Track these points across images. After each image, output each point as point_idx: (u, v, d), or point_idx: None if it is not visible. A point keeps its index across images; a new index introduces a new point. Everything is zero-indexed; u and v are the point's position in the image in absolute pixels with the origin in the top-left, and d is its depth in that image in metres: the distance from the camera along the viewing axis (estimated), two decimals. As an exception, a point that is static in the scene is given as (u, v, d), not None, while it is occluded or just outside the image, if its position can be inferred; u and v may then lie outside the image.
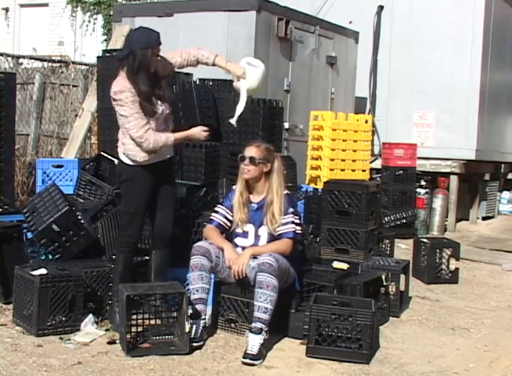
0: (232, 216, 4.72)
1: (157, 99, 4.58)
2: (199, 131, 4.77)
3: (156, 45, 4.48)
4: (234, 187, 4.78)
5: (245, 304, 4.61)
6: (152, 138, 4.51)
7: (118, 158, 4.74)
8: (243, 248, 4.68)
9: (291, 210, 4.65)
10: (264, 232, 4.65)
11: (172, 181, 4.94)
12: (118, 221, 5.24)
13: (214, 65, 4.85)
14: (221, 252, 4.58)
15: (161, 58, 4.58)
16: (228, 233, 4.77)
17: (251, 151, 4.65)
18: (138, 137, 4.50)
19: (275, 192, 4.62)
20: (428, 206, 9.63)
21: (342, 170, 8.30)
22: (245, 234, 4.70)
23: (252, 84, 4.83)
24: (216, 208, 4.82)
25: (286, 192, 4.70)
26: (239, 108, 4.84)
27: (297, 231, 4.64)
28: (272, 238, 4.63)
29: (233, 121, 4.85)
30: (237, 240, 4.74)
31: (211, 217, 4.80)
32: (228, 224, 4.75)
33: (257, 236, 4.68)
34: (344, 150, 8.32)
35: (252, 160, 4.62)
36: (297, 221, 4.67)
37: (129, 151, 4.58)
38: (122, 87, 4.46)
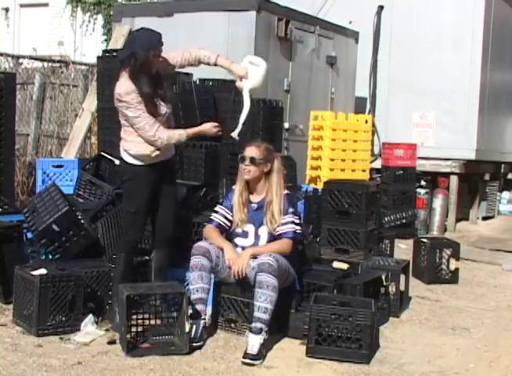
0: (232, 216, 4.72)
1: (160, 100, 4.59)
2: (210, 127, 4.78)
3: (157, 46, 4.49)
4: (234, 187, 4.78)
5: (245, 304, 4.61)
6: (165, 135, 4.55)
7: (120, 158, 4.74)
8: (243, 248, 4.68)
9: (291, 210, 4.65)
10: (264, 232, 4.65)
11: (173, 181, 4.94)
12: (118, 221, 5.26)
13: (216, 65, 4.84)
14: (221, 252, 4.58)
15: (163, 58, 4.58)
16: (228, 233, 4.77)
17: (251, 151, 4.64)
18: (151, 136, 4.52)
19: (274, 192, 4.62)
20: (428, 206, 9.63)
21: (342, 170, 8.31)
22: (245, 234, 4.70)
23: (254, 84, 4.85)
24: (216, 208, 4.81)
25: (286, 192, 4.70)
26: (244, 111, 4.84)
27: (297, 231, 4.64)
28: (273, 238, 4.62)
29: (235, 133, 4.85)
30: (237, 240, 4.73)
31: (211, 217, 4.79)
32: (228, 224, 4.74)
33: (257, 236, 4.67)
34: (344, 150, 8.33)
35: (252, 160, 4.61)
36: (297, 221, 4.67)
37: (132, 151, 4.59)
38: (127, 88, 4.46)
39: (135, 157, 4.61)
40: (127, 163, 4.65)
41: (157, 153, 4.60)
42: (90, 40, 17.47)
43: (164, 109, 4.61)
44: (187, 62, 4.81)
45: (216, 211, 4.78)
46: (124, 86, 4.48)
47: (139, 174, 4.62)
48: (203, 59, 4.81)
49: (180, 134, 4.66)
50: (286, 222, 4.61)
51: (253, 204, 4.71)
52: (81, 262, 4.92)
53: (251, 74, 4.80)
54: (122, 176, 4.77)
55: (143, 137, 4.53)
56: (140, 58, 4.43)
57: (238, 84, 4.88)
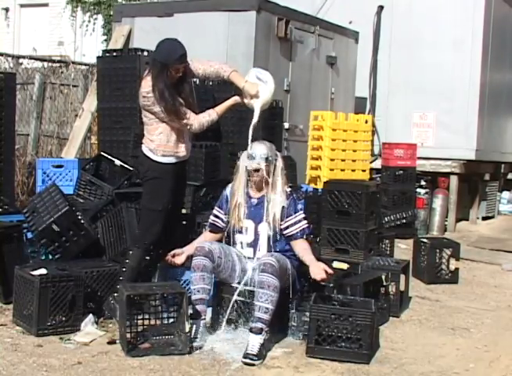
0: (226, 216, 4.74)
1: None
2: (235, 99, 4.87)
3: (174, 63, 4.51)
4: (228, 187, 4.79)
5: (245, 304, 4.61)
6: (196, 123, 4.68)
7: (144, 156, 4.74)
8: (243, 244, 4.71)
9: (300, 207, 4.69)
10: (264, 228, 4.65)
11: (185, 183, 5.06)
12: (118, 221, 5.25)
13: (229, 81, 4.84)
14: (224, 253, 4.58)
15: (187, 69, 4.62)
16: (227, 232, 4.79)
17: (263, 150, 4.63)
18: (183, 125, 4.62)
19: (277, 188, 4.62)
20: (428, 206, 9.63)
21: (342, 170, 8.30)
22: (245, 230, 4.70)
23: (264, 102, 4.83)
24: (214, 211, 4.85)
25: (289, 189, 4.71)
26: (252, 125, 4.79)
27: (309, 226, 4.71)
28: (274, 235, 4.63)
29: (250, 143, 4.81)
30: (237, 237, 4.74)
31: (211, 221, 4.84)
32: (223, 223, 4.79)
33: (257, 233, 4.67)
34: (344, 150, 8.32)
35: (266, 159, 4.61)
36: (304, 215, 4.72)
37: (161, 151, 4.64)
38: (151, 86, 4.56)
39: (164, 155, 4.65)
40: (153, 161, 4.66)
41: (184, 152, 4.73)
42: (90, 40, 17.50)
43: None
44: (208, 76, 4.86)
45: (215, 215, 4.84)
46: (150, 83, 4.56)
47: (167, 172, 4.68)
48: (220, 72, 4.81)
49: (210, 114, 4.78)
50: (299, 220, 4.64)
51: (253, 200, 4.70)
52: (81, 262, 4.93)
53: (261, 92, 4.77)
54: (145, 175, 4.74)
55: (176, 126, 4.61)
56: (155, 67, 4.53)
57: (248, 101, 4.83)
